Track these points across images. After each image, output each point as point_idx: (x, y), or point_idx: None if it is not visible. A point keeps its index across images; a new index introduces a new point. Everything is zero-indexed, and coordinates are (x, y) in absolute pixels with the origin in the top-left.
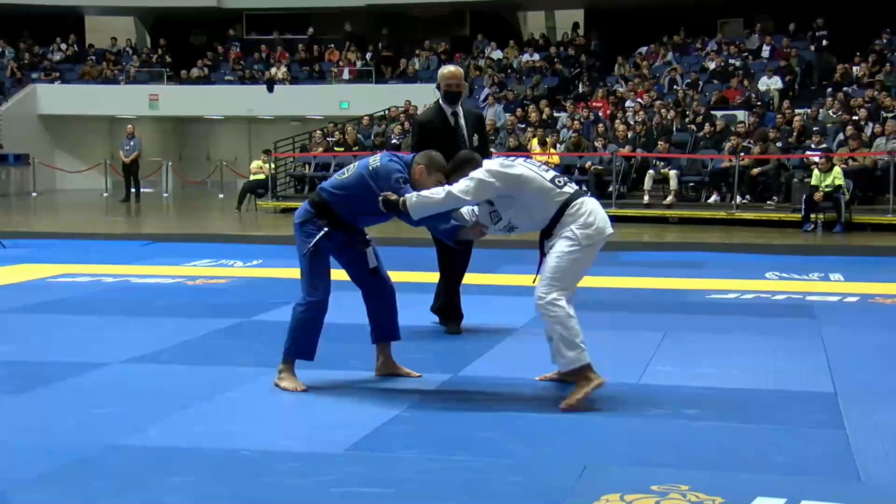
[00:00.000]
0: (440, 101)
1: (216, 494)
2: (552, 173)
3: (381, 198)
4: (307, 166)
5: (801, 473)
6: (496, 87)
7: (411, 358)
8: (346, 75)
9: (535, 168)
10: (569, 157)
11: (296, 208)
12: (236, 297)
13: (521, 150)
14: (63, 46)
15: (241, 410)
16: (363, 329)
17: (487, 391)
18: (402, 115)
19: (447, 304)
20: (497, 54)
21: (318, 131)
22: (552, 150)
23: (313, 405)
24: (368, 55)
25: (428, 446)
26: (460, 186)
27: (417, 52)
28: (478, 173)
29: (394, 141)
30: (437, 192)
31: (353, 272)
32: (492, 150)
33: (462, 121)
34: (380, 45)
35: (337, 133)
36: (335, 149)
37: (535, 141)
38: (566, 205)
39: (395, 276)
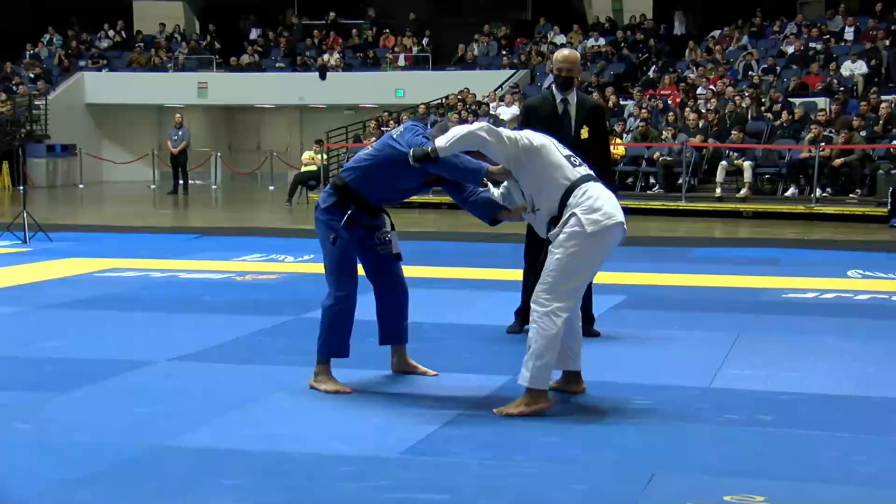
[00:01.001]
0: (552, 87)
1: (266, 499)
2: (567, 151)
3: (411, 151)
4: None
5: (887, 486)
6: None
7: (470, 358)
8: (401, 62)
9: (554, 143)
10: (636, 148)
11: None
12: (287, 293)
13: None
14: (111, 33)
15: (291, 411)
16: (416, 327)
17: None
18: (459, 104)
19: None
20: (560, 39)
21: (372, 121)
22: (618, 141)
23: (367, 407)
24: (425, 41)
25: (486, 451)
26: (485, 128)
27: (476, 36)
28: (499, 132)
29: None
30: (461, 128)
31: (369, 267)
32: None
33: (572, 110)
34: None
35: (392, 122)
36: None
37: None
38: (574, 186)
39: (461, 273)
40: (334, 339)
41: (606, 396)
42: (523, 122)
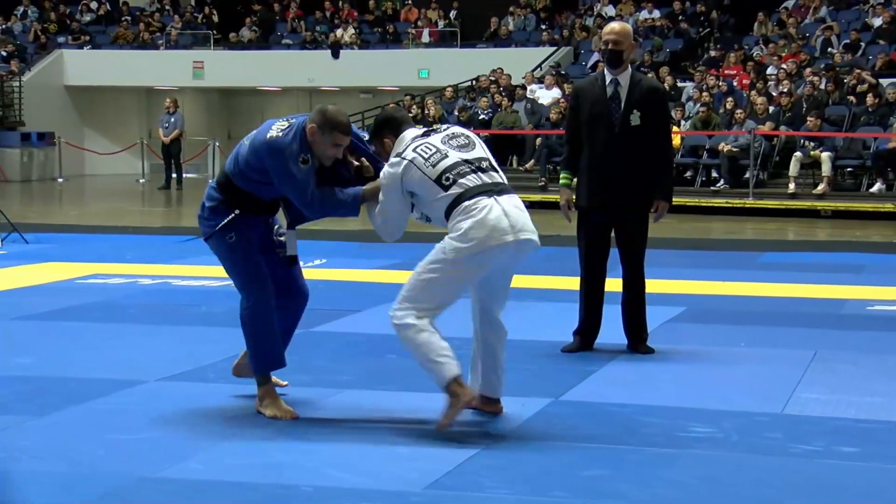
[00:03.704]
0: (603, 66)
1: None
2: (447, 164)
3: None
4: None
5: None
6: None
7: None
8: (425, 38)
9: (423, 160)
10: (695, 137)
11: None
12: None
13: None
14: (93, 5)
15: (296, 439)
16: None
17: (594, 419)
18: (492, 87)
19: (593, 325)
20: (609, 11)
21: (391, 105)
22: (675, 129)
23: (384, 433)
24: (453, 14)
25: (522, 484)
26: (380, 219)
27: (511, 8)
28: (382, 175)
29: (481, 117)
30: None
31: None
32: None
33: (623, 91)
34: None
35: (415, 107)
36: None
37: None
38: (455, 203)
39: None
40: (266, 350)
41: (661, 423)
42: (571, 106)
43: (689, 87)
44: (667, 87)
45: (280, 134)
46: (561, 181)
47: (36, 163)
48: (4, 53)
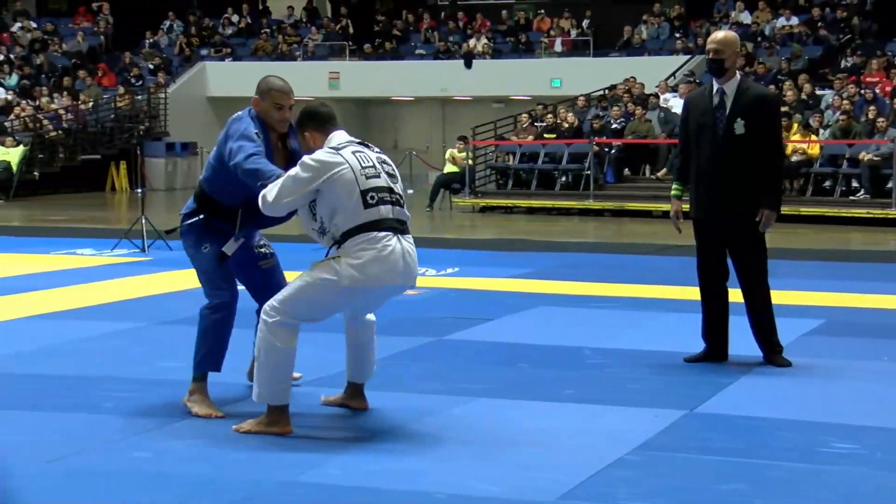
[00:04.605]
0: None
1: None
2: (377, 184)
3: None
4: (511, 157)
5: None
6: (743, 59)
7: (638, 389)
8: (557, 47)
9: (359, 168)
10: (835, 146)
11: (497, 207)
12: (427, 311)
13: None
14: (235, 18)
15: (428, 446)
16: (576, 353)
17: (730, 433)
18: (625, 96)
19: (717, 336)
20: (745, 18)
21: (524, 114)
22: (812, 137)
23: (517, 442)
24: (585, 23)
25: (658, 497)
26: (274, 190)
27: (645, 17)
28: (297, 167)
29: (614, 126)
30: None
31: (252, 286)
32: None
33: (728, 101)
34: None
35: (549, 116)
36: (545, 136)
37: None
38: (366, 228)
39: (626, 290)
40: (212, 352)
41: (799, 437)
42: (683, 117)
43: (828, 95)
44: (804, 96)
45: (232, 119)
46: (672, 192)
47: (179, 172)
48: (151, 66)
